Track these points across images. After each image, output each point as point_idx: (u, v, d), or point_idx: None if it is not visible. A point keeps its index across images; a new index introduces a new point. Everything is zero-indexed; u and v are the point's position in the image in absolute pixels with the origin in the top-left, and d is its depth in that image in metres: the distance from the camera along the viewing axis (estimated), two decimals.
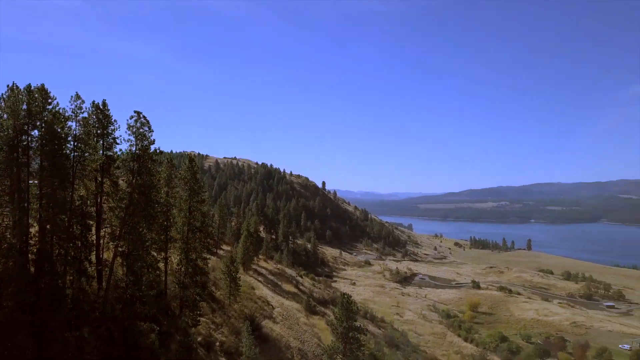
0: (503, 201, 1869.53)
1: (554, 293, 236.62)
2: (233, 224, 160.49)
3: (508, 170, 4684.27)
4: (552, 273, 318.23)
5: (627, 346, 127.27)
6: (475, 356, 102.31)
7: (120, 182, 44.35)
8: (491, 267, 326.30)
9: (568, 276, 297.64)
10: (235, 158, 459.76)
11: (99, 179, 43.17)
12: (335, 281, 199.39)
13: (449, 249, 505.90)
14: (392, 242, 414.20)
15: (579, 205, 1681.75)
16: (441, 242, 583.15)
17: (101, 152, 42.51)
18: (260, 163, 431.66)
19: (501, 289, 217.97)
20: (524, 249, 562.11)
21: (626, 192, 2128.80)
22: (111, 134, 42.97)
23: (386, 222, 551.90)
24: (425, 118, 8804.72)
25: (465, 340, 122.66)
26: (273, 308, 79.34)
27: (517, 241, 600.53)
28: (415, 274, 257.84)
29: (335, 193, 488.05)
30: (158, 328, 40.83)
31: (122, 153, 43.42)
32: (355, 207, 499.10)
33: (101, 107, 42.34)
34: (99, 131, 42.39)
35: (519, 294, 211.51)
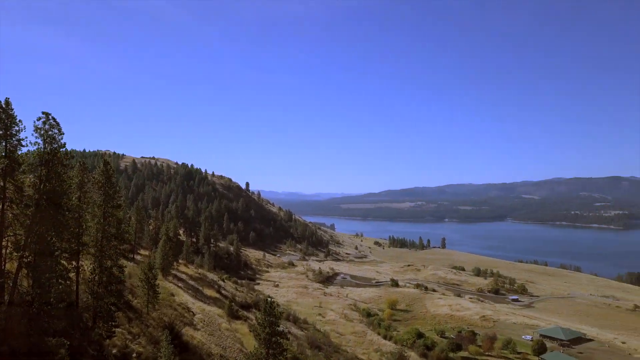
0: (420, 201, 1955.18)
1: (466, 289, 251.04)
2: (151, 227, 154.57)
3: (425, 172, 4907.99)
4: (464, 270, 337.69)
5: (529, 337, 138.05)
6: (393, 353, 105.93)
7: (26, 187, 41.13)
8: (409, 265, 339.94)
9: (478, 272, 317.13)
10: (153, 158, 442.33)
11: (1, 183, 39.78)
12: (259, 284, 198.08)
13: (370, 248, 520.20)
14: (315, 242, 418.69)
15: (488, 205, 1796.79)
16: (362, 241, 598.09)
17: (4, 154, 39.17)
18: (180, 163, 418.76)
19: (418, 286, 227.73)
20: (439, 247, 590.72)
21: (529, 193, 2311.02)
22: (15, 135, 39.68)
23: (310, 222, 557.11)
24: (346, 119, 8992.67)
25: (385, 338, 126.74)
26: (194, 315, 77.36)
27: (433, 239, 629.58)
28: (337, 274, 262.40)
29: (259, 194, 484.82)
30: (68, 343, 38.33)
31: (29, 156, 40.30)
32: (280, 208, 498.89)
33: (3, 105, 39.01)
34: (0, 132, 39.02)
35: (434, 290, 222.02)
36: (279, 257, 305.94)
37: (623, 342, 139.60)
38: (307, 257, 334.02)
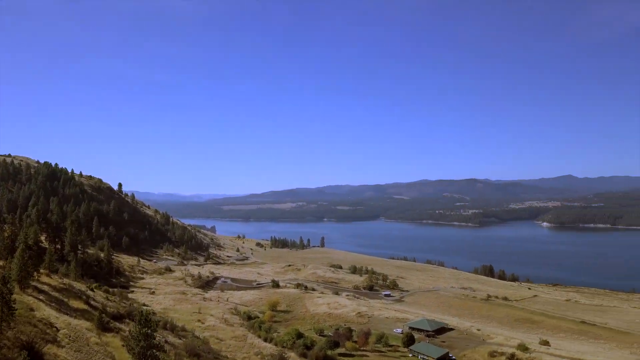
0: (301, 202, 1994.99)
1: (343, 286, 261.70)
2: (6, 234, 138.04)
3: (306, 173, 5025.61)
4: (341, 268, 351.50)
5: (399, 330, 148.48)
6: (274, 355, 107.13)
7: None
8: (289, 265, 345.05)
9: (354, 270, 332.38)
10: (10, 155, 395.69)
11: None
12: (133, 292, 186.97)
13: (251, 249, 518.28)
14: (194, 246, 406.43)
15: (363, 205, 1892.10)
16: (244, 243, 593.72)
17: None
18: (42, 162, 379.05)
19: (298, 286, 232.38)
20: (318, 247, 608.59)
21: (400, 194, 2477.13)
22: None
23: (189, 225, 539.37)
24: (226, 120, 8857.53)
25: (265, 340, 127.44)
26: (58, 330, 70.91)
27: (313, 239, 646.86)
28: (217, 278, 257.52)
29: (133, 196, 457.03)
30: None
31: None
32: (156, 211, 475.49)
33: None
34: None
35: (313, 289, 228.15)
36: (155, 262, 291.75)
37: (478, 329, 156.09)
38: (185, 262, 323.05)
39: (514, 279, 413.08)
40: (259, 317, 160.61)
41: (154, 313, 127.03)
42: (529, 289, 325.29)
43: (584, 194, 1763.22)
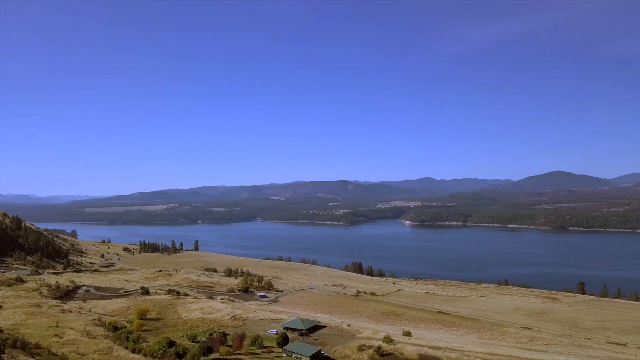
0: (173, 203, 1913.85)
1: (218, 290, 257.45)
2: None
3: (178, 174, 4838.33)
4: (216, 271, 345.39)
5: (274, 331, 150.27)
6: None
7: None
8: (161, 271, 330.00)
9: (230, 272, 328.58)
10: None
11: None
12: None
13: (118, 255, 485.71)
14: (52, 252, 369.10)
15: (240, 205, 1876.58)
16: (109, 248, 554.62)
17: None
18: None
19: (170, 292, 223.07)
20: (192, 250, 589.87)
21: (276, 194, 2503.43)
22: None
23: (45, 229, 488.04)
24: (90, 114, 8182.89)
25: (134, 351, 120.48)
26: None
27: (186, 242, 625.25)
28: (78, 287, 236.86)
29: None
30: None
31: None
32: (5, 214, 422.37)
33: None
34: None
35: (186, 295, 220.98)
36: (2, 272, 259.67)
37: (349, 325, 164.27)
38: (41, 271, 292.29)
39: (381, 274, 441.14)
40: (126, 327, 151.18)
41: (0, 331, 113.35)
42: (394, 283, 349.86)
43: (441, 195, 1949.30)
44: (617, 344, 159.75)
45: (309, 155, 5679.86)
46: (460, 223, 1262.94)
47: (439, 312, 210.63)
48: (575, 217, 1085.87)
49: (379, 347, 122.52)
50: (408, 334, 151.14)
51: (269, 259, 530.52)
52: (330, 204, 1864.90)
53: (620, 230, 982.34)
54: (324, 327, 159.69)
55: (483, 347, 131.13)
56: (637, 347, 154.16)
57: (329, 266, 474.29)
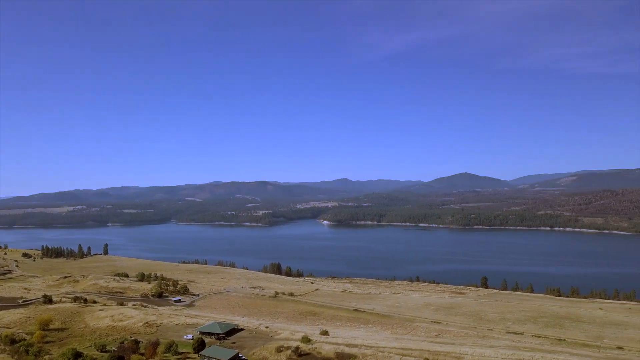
0: (80, 205, 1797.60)
1: (130, 296, 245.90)
2: None
3: (85, 174, 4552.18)
4: (127, 276, 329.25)
5: (190, 336, 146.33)
6: None
7: None
8: (66, 277, 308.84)
9: (142, 277, 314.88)
10: None
11: None
12: None
13: (16, 261, 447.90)
14: None
15: (153, 207, 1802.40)
16: (6, 254, 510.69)
17: None
18: None
19: (76, 299, 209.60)
20: (101, 254, 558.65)
21: (191, 196, 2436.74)
22: None
23: None
24: None
25: None
26: None
27: (94, 246, 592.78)
28: None
29: None
30: None
31: None
32: None
33: None
34: None
35: (95, 302, 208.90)
36: None
37: (267, 327, 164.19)
38: None
39: (299, 274, 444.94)
40: (26, 340, 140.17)
41: None
42: (312, 283, 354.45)
43: (357, 195, 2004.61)
44: (515, 333, 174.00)
45: (227, 155, 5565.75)
46: (375, 222, 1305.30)
47: (355, 310, 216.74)
48: (479, 216, 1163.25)
49: (297, 348, 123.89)
50: (325, 333, 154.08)
51: (184, 262, 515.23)
52: (249, 204, 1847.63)
53: (518, 227, 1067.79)
54: (242, 330, 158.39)
55: (396, 343, 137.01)
56: (532, 336, 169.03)
57: (247, 268, 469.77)
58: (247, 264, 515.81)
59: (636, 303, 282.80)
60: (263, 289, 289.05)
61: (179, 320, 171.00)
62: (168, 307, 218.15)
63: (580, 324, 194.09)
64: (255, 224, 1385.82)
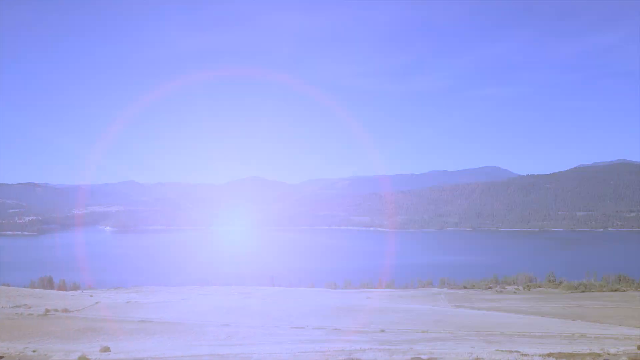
0: None
1: None
2: None
3: None
4: None
5: None
6: None
7: None
8: None
9: None
10: None
11: None
12: None
13: None
14: None
15: None
16: None
17: None
18: None
19: None
20: None
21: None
22: None
23: None
24: None
25: None
26: None
27: None
28: None
29: None
30: None
31: None
32: None
33: None
34: None
35: None
36: None
37: (34, 350, 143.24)
38: None
39: (76, 287, 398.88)
40: None
41: None
42: (91, 296, 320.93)
43: (145, 199, 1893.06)
44: (298, 327, 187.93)
45: None
46: (165, 227, 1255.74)
47: (141, 320, 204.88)
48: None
49: None
50: (107, 349, 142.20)
51: None
52: (12, 210, 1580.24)
53: (302, 227, 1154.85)
54: (1, 358, 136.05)
55: (185, 350, 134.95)
56: (313, 328, 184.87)
57: (9, 285, 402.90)
58: (10, 280, 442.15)
59: (395, 290, 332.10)
60: (30, 307, 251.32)
61: None
62: None
63: (352, 312, 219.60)
64: (19, 232, 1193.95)
